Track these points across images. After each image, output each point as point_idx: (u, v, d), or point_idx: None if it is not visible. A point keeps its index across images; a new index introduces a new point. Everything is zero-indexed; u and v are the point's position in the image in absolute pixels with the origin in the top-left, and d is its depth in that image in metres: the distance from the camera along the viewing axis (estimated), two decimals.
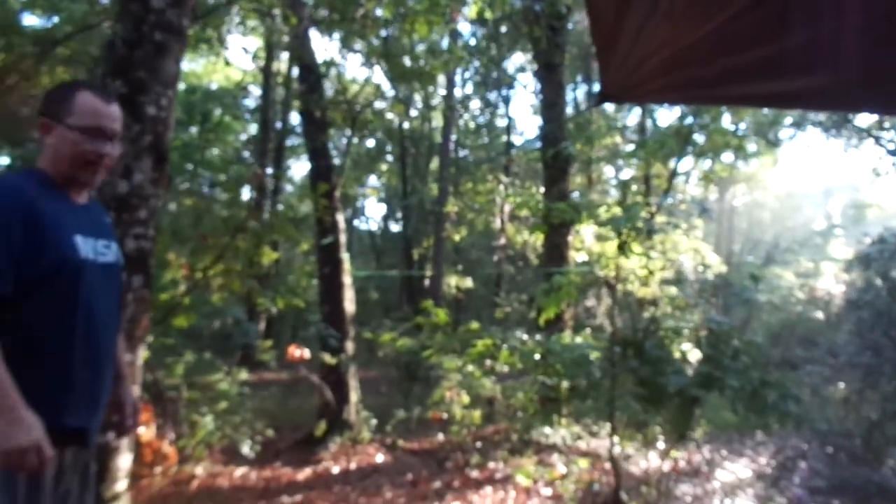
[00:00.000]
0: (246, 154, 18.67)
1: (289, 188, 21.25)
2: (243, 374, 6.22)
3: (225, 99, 16.35)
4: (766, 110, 14.79)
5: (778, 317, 15.35)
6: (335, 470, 5.93)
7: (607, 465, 4.99)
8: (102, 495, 3.37)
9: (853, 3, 1.65)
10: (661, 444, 5.24)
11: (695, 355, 4.94)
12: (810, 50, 1.84)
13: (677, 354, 4.95)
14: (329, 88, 8.84)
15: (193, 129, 13.79)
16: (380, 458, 6.40)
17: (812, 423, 5.41)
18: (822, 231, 24.65)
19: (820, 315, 13.47)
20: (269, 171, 15.62)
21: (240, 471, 5.73)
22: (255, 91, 18.19)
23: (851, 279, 7.70)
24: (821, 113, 13.06)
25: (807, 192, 33.99)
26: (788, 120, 14.53)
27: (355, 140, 16.78)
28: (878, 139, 13.46)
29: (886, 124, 13.72)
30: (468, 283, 15.75)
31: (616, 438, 4.94)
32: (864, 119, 13.50)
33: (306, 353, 6.67)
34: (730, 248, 24.68)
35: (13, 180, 1.81)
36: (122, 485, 3.49)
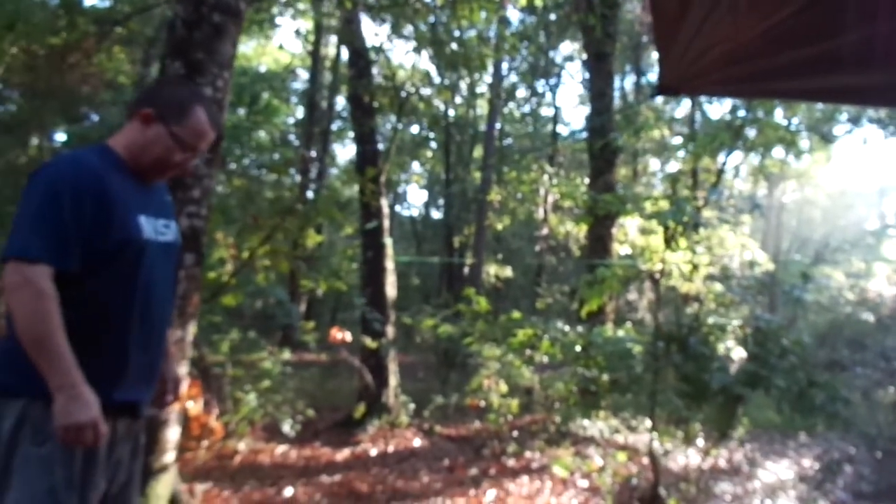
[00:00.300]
0: (292, 137, 18.89)
1: (333, 172, 21.46)
2: (286, 354, 6.33)
3: (273, 81, 16.53)
4: (820, 105, 14.36)
5: (826, 317, 14.92)
6: (373, 452, 6.02)
7: (645, 461, 4.96)
8: (151, 466, 3.48)
9: None
10: (701, 442, 5.18)
11: (739, 353, 4.86)
12: (868, 46, 1.81)
13: (721, 351, 4.88)
14: (377, 74, 8.88)
15: (242, 111, 14.01)
16: (417, 442, 6.47)
17: (860, 426, 5.28)
18: (875, 231, 23.82)
19: (870, 317, 13.06)
20: (315, 154, 15.79)
21: (280, 448, 5.85)
22: (303, 74, 18.37)
23: None
24: (879, 109, 12.62)
25: (860, 191, 32.94)
26: (844, 116, 14.07)
27: (400, 126, 16.86)
28: None
29: None
30: (508, 272, 15.73)
31: (656, 433, 4.90)
32: None
33: (348, 336, 6.77)
34: (778, 245, 24.10)
35: (86, 157, 1.84)
36: (170, 456, 3.61)
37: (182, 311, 3.51)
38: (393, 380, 7.16)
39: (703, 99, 14.59)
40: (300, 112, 18.66)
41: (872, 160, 56.48)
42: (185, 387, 3.68)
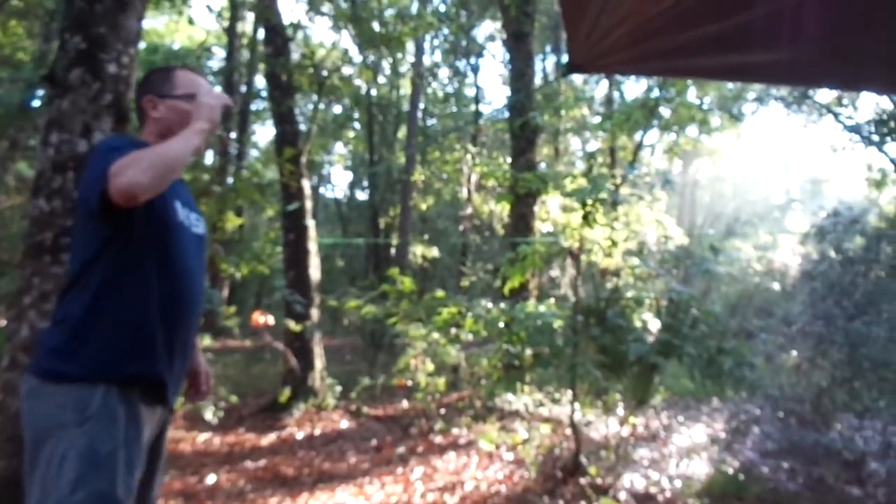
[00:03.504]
0: None
1: (254, 153, 20.90)
2: (206, 341, 6.18)
3: (188, 60, 15.91)
4: (730, 85, 14.96)
5: (736, 288, 15.73)
6: (299, 436, 5.97)
7: (568, 431, 5.11)
8: None
9: None
10: (620, 411, 5.37)
11: (655, 324, 5.05)
12: (774, 24, 1.87)
13: (638, 323, 5.05)
14: (296, 52, 8.67)
15: None
16: (344, 424, 6.46)
17: (765, 389, 5.59)
18: (781, 205, 25.17)
19: (776, 286, 13.83)
20: (234, 135, 15.33)
21: (203, 436, 5.73)
22: (220, 53, 17.74)
23: (807, 251, 7.91)
24: (783, 87, 13.26)
25: (767, 167, 34.68)
26: (752, 95, 14.72)
27: (322, 106, 16.54)
28: (836, 115, 13.73)
29: (845, 101, 14.01)
30: (434, 252, 15.78)
31: (577, 405, 5.05)
32: (824, 95, 13.77)
33: (271, 320, 6.65)
34: (692, 220, 25.12)
35: (131, 144, 1.84)
36: None
37: None
38: (319, 363, 7.10)
39: (620, 78, 14.96)
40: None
41: (778, 138, 59.44)
42: None
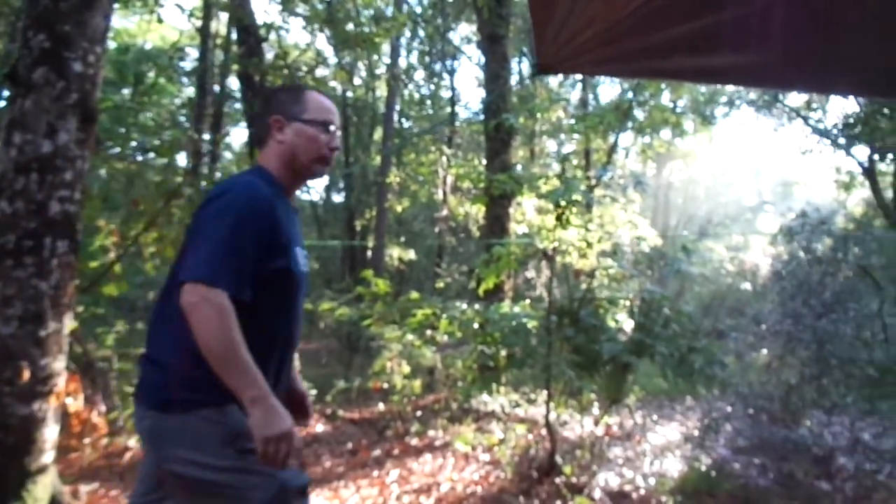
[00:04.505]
0: (182, 118, 18.02)
1: (228, 155, 20.68)
2: None
3: (160, 60, 15.68)
4: (703, 88, 15.17)
5: (709, 288, 15.95)
6: None
7: (544, 431, 5.13)
8: (28, 467, 3.28)
9: None
10: (595, 410, 5.41)
11: (629, 324, 5.10)
12: (742, 26, 1.89)
13: (612, 323, 5.10)
14: (270, 53, 8.62)
15: (126, 91, 13.22)
16: (320, 427, 6.41)
17: (736, 387, 5.67)
18: (753, 207, 25.59)
19: (748, 286, 14.05)
20: (207, 136, 15.16)
21: None
22: (193, 53, 17.52)
23: (777, 252, 8.04)
24: (752, 90, 13.47)
25: (739, 170, 35.21)
26: (723, 98, 14.94)
27: None
28: (805, 119, 13.99)
29: (814, 104, 14.27)
30: (411, 254, 15.75)
31: (552, 405, 5.07)
32: (794, 99, 14.01)
33: None
34: (666, 222, 25.41)
35: (261, 186, 1.86)
36: (48, 457, 3.40)
37: (56, 303, 3.30)
38: (296, 366, 7.04)
39: (594, 80, 15.08)
40: (190, 92, 17.81)
41: (750, 141, 60.35)
42: (62, 382, 3.47)
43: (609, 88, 19.29)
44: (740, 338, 6.64)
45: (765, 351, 6.30)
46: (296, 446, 1.67)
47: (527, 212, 8.17)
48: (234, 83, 16.82)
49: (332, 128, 2.00)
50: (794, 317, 5.90)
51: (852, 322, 5.84)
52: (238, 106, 17.68)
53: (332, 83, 14.82)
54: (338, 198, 22.15)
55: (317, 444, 5.83)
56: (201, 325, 1.62)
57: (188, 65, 17.84)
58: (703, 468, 5.09)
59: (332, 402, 6.93)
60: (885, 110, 10.32)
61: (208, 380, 1.65)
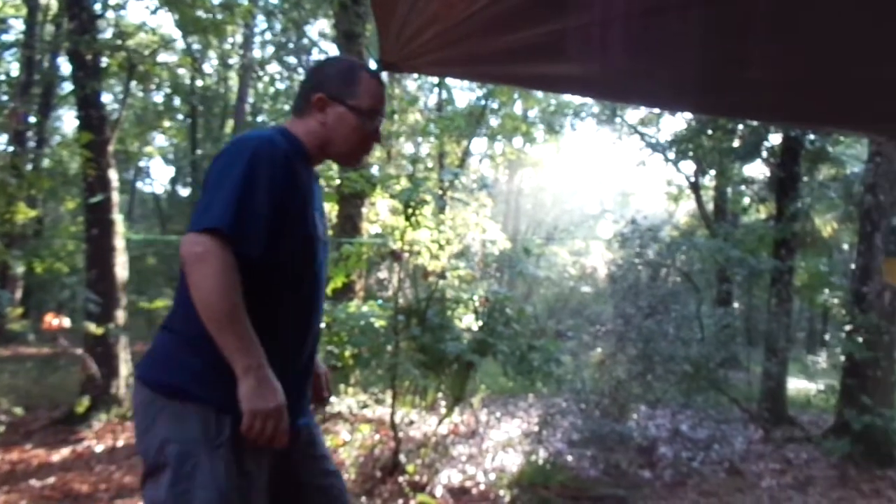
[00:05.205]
0: (4, 98, 16.25)
1: (60, 140, 18.90)
2: None
3: None
4: (553, 99, 15.95)
5: (554, 290, 16.82)
6: (98, 449, 5.47)
7: (391, 431, 5.13)
8: None
9: None
10: (442, 409, 5.49)
11: (476, 324, 5.23)
12: (583, 36, 1.93)
13: (458, 323, 5.21)
14: (105, 31, 7.98)
15: None
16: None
17: (572, 383, 6.00)
18: (595, 214, 27.32)
19: (588, 289, 14.96)
20: (32, 119, 13.78)
21: None
22: (19, 25, 15.85)
23: (613, 257, 8.63)
24: (595, 102, 14.31)
25: (584, 179, 37.46)
26: (570, 110, 15.76)
27: (140, 93, 15.38)
28: (641, 134, 15.12)
29: (649, 120, 15.47)
30: None
31: (397, 404, 5.09)
32: (632, 115, 15.09)
33: (65, 322, 6.03)
34: (516, 227, 26.47)
35: (280, 142, 1.70)
36: None
37: None
38: (124, 369, 6.55)
39: (451, 84, 15.37)
40: (15, 69, 16.11)
41: (593, 151, 64.27)
42: None
43: (465, 93, 19.78)
44: (577, 337, 7.05)
45: (599, 349, 6.73)
46: (283, 427, 1.52)
47: (381, 212, 8.16)
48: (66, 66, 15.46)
49: (378, 117, 1.87)
50: (624, 317, 6.36)
51: (674, 322, 6.39)
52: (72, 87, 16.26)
53: (182, 71, 14.05)
54: (185, 192, 21.00)
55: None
56: (200, 277, 1.49)
57: (11, 38, 16.14)
58: (540, 462, 5.32)
59: None
60: (710, 130, 11.35)
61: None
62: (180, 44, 13.20)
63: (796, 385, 9.89)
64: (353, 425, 6.00)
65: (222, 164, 1.64)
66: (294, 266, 1.71)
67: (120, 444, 5.65)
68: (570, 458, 5.54)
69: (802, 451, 6.56)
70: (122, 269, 6.72)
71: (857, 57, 1.83)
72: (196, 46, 15.60)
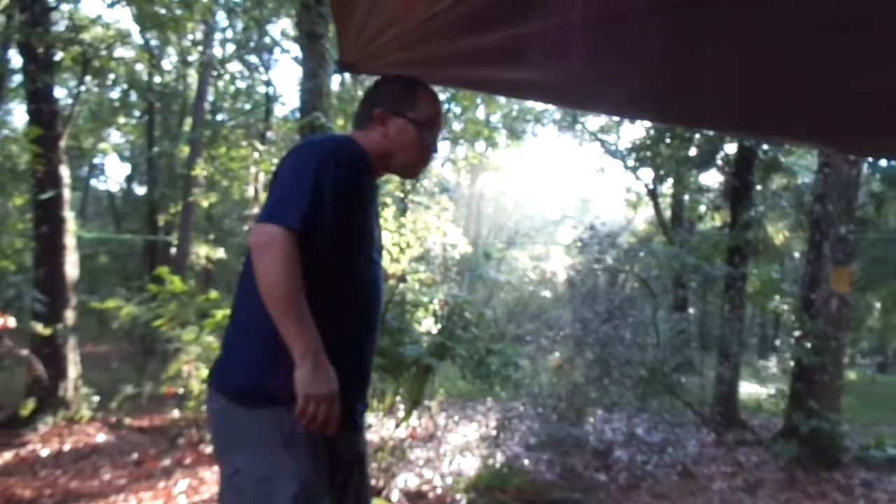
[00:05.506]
0: None
1: (8, 134, 18.27)
2: None
3: None
4: (515, 105, 16.07)
5: (514, 295, 16.91)
6: (44, 453, 5.31)
7: None
8: None
9: (576, 2, 1.77)
10: (400, 413, 5.46)
11: (435, 328, 5.22)
12: (544, 42, 1.94)
13: (417, 326, 5.19)
14: (59, 23, 7.75)
15: None
16: (101, 437, 5.87)
17: (529, 388, 6.03)
18: (556, 220, 27.56)
19: (547, 293, 15.08)
20: None
21: None
22: None
23: (572, 262, 8.71)
24: (556, 109, 14.45)
25: (545, 184, 37.76)
26: (531, 116, 15.89)
27: (95, 88, 14.99)
28: (602, 141, 15.30)
29: (609, 128, 15.68)
30: (221, 253, 14.96)
31: None
32: (592, 122, 15.27)
33: (10, 322, 5.82)
34: (478, 231, 26.53)
35: (351, 149, 1.76)
36: None
37: None
38: (73, 370, 6.37)
39: None
40: None
41: (554, 157, 64.94)
42: None
43: None
44: (535, 341, 7.09)
45: (557, 354, 6.78)
46: (334, 414, 1.56)
47: None
48: (17, 60, 14.99)
49: (437, 129, 1.96)
50: (582, 322, 6.42)
51: (631, 327, 6.48)
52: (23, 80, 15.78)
53: (139, 66, 13.75)
54: (140, 189, 20.52)
55: (96, 455, 5.34)
56: (265, 263, 1.55)
57: None
58: (497, 465, 5.33)
59: (119, 409, 6.37)
60: (668, 139, 11.55)
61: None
62: (138, 39, 12.95)
63: (748, 389, 10.14)
64: None
65: (293, 161, 1.73)
66: (354, 267, 1.76)
67: (67, 447, 5.49)
68: (526, 461, 5.57)
69: (753, 454, 6.72)
70: (72, 268, 6.54)
71: (810, 69, 1.88)
72: (154, 42, 15.31)
